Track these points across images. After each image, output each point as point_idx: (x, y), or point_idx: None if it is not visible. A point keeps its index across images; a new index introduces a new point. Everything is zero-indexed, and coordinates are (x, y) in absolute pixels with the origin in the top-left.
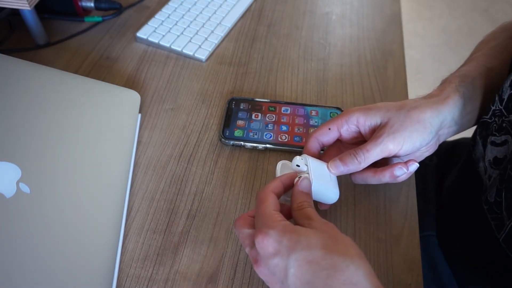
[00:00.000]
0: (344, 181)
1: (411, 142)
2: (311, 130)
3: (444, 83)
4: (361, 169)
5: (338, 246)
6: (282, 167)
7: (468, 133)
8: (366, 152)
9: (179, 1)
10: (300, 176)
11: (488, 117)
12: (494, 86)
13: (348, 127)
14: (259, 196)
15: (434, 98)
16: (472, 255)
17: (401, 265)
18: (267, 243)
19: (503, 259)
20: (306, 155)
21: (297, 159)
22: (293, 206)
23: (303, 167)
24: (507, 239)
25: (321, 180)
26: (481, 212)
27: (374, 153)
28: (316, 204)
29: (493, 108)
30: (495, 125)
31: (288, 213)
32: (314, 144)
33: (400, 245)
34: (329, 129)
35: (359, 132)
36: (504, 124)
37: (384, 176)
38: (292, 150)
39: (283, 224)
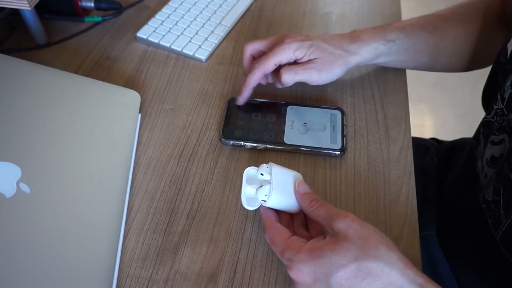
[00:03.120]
0: (344, 181)
1: (327, 79)
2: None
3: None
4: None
5: (366, 249)
6: (248, 176)
7: (469, 133)
8: (295, 75)
9: (179, 1)
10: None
11: (491, 116)
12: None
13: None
14: (268, 237)
15: (358, 43)
16: (472, 254)
17: None
18: (302, 277)
19: (502, 258)
20: (272, 163)
21: (263, 167)
22: (307, 210)
23: (266, 176)
24: (503, 238)
25: (284, 189)
26: (479, 211)
27: (300, 78)
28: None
29: (495, 107)
30: (496, 124)
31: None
32: (259, 78)
33: (400, 245)
34: (275, 65)
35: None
36: (504, 123)
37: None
38: (292, 150)
39: (306, 250)
